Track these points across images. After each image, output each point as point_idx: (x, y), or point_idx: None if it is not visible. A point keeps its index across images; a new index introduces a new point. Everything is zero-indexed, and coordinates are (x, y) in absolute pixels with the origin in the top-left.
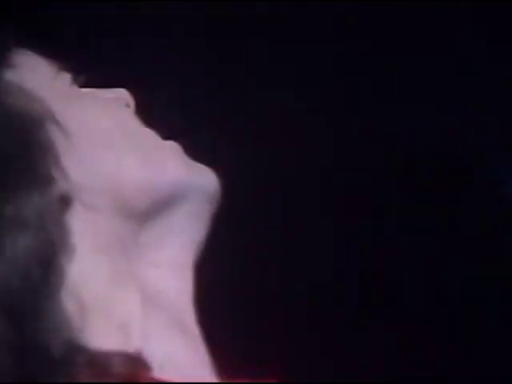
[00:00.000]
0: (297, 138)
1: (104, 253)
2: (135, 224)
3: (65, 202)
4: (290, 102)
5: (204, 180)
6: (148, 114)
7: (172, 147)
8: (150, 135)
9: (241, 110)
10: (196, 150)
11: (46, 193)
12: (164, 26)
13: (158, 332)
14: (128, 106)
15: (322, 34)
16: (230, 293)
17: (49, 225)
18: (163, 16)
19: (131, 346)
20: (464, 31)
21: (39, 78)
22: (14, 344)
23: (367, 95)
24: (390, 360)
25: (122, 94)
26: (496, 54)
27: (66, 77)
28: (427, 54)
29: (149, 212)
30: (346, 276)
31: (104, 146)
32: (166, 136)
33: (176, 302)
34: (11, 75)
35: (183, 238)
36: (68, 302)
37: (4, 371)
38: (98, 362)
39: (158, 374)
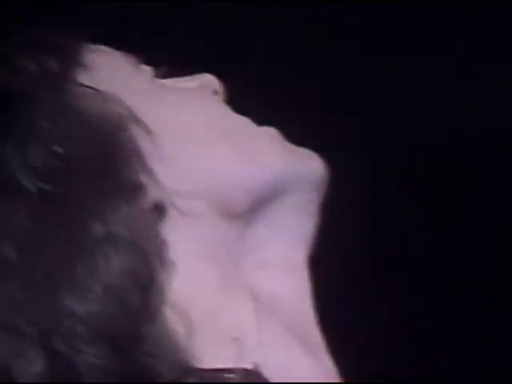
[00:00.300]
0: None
1: (208, 261)
2: (238, 225)
3: (158, 210)
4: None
5: (309, 166)
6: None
7: (270, 134)
8: (243, 124)
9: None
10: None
11: (137, 203)
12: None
13: (275, 342)
14: (216, 92)
15: (321, 34)
16: (351, 289)
17: (143, 239)
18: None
19: (247, 360)
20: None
21: (116, 75)
22: (117, 373)
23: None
24: None
25: (208, 80)
26: (497, 54)
27: (146, 70)
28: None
29: (251, 209)
30: None
31: (194, 142)
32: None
33: (292, 305)
34: (84, 77)
35: (292, 233)
36: (172, 321)
37: None
38: (213, 382)
39: None
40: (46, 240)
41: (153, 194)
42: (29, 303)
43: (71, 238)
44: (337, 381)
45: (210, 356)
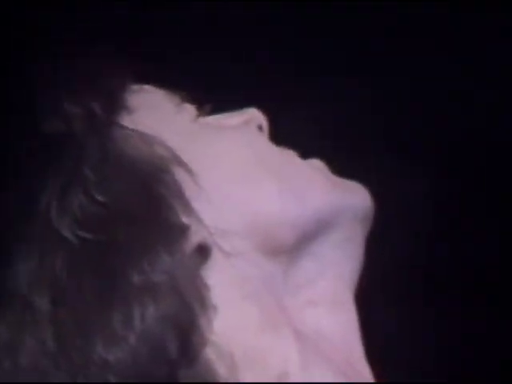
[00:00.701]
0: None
1: (251, 300)
2: (283, 262)
3: (203, 252)
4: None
5: (355, 200)
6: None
7: (315, 168)
8: (289, 159)
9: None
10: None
11: (179, 248)
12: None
13: (322, 379)
14: (260, 128)
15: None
16: (398, 324)
17: (183, 285)
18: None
19: None
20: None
21: (158, 116)
22: None
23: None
24: None
25: (253, 114)
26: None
27: (189, 109)
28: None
29: (297, 246)
30: None
31: (237, 180)
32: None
33: (341, 342)
34: (127, 119)
35: (339, 268)
36: (214, 362)
37: None
38: None
39: None
40: (82, 289)
41: (197, 236)
42: (60, 352)
43: (107, 287)
44: None
45: None
